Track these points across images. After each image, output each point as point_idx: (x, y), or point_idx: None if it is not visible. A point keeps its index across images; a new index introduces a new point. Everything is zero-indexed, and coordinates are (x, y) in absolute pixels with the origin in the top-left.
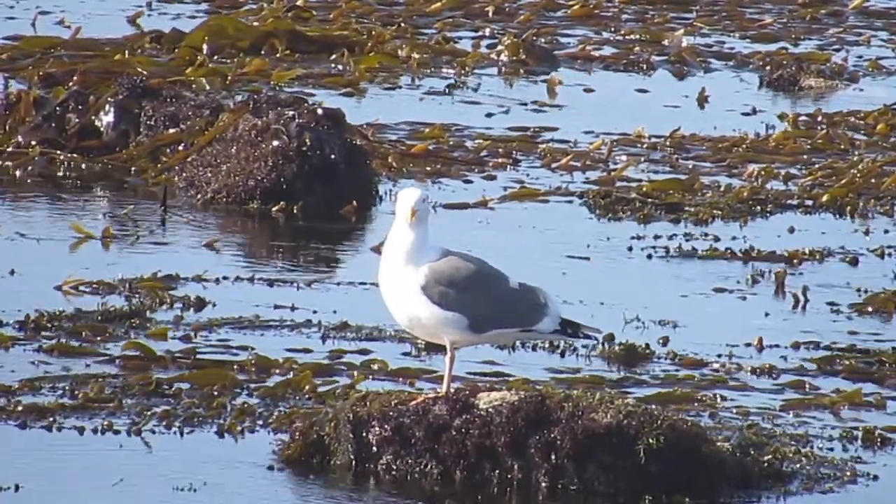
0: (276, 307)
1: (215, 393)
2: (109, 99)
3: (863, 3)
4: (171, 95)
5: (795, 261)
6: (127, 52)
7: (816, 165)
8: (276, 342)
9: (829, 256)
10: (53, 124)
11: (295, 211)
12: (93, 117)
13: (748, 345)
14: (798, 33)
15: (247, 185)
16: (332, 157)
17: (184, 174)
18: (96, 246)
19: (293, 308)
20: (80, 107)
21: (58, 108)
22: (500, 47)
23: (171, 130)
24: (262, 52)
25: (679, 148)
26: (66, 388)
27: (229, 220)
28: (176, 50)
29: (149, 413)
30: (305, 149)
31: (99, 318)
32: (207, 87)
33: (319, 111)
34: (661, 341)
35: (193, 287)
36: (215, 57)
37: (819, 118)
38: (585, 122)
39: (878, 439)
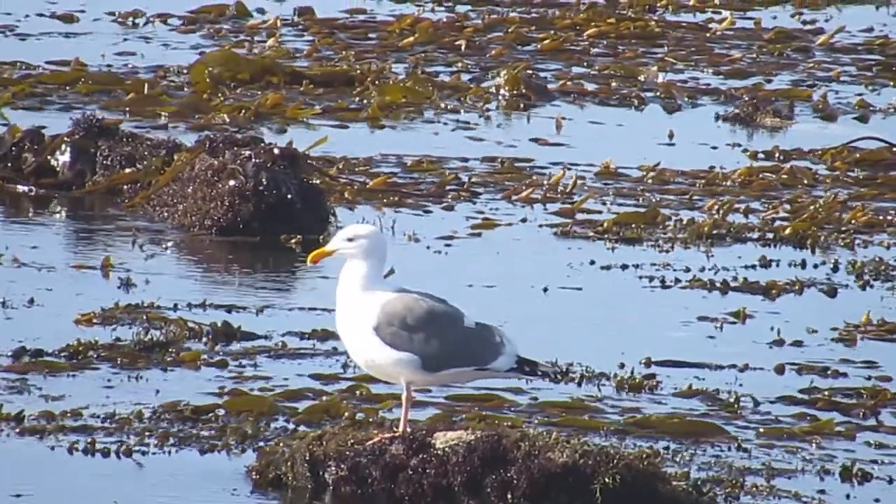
0: (303, 336)
1: (250, 419)
2: (66, 138)
3: (829, 39)
4: (126, 135)
5: (774, 291)
6: (146, 87)
7: (779, 200)
8: (302, 369)
9: (809, 287)
10: (10, 164)
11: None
12: (49, 156)
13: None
14: (768, 68)
15: (203, 225)
16: (289, 196)
17: (141, 212)
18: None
19: (312, 335)
20: (35, 146)
21: (13, 148)
22: (498, 80)
23: (128, 170)
24: (260, 85)
25: (650, 181)
26: (107, 414)
27: (240, 250)
28: (184, 83)
29: (148, 433)
30: (262, 188)
31: (136, 347)
32: (228, 121)
33: (276, 151)
34: (643, 362)
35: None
36: (238, 90)
37: (777, 155)
38: (569, 156)
39: (858, 474)
